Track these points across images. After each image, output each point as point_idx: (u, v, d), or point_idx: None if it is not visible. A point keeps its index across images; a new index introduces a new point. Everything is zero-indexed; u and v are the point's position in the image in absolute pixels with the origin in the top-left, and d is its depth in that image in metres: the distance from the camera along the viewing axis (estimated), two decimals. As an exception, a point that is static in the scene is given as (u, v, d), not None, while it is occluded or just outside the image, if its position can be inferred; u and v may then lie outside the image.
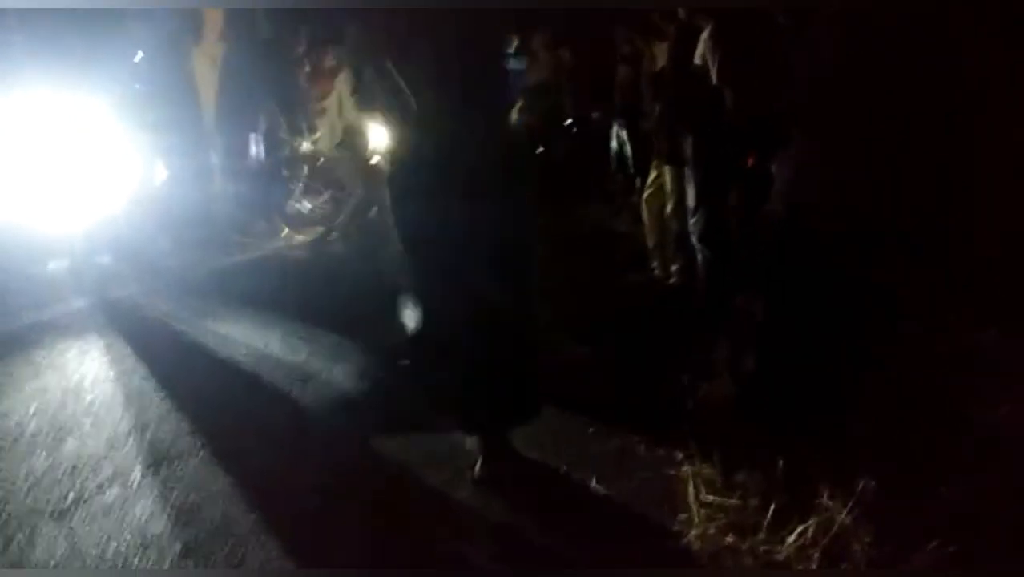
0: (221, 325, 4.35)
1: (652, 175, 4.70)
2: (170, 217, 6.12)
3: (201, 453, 2.87)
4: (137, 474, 2.73)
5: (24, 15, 5.65)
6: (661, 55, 4.61)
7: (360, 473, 2.75)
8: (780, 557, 2.07)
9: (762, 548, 2.11)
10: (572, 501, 2.52)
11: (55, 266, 5.46)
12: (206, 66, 6.18)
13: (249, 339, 4.10)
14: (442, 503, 2.52)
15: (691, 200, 3.87)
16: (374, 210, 6.27)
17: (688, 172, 3.88)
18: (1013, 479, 2.10)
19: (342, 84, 6.36)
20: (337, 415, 3.24)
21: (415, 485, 2.64)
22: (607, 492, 2.52)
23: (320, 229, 6.65)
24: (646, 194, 4.76)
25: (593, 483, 2.56)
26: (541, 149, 7.41)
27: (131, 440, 2.98)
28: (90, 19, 5.71)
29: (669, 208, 4.44)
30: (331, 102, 6.55)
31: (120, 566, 2.25)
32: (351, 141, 6.45)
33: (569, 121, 7.50)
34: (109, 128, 5.65)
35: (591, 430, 2.91)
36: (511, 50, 7.51)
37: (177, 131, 6.14)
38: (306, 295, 4.95)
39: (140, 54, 6.13)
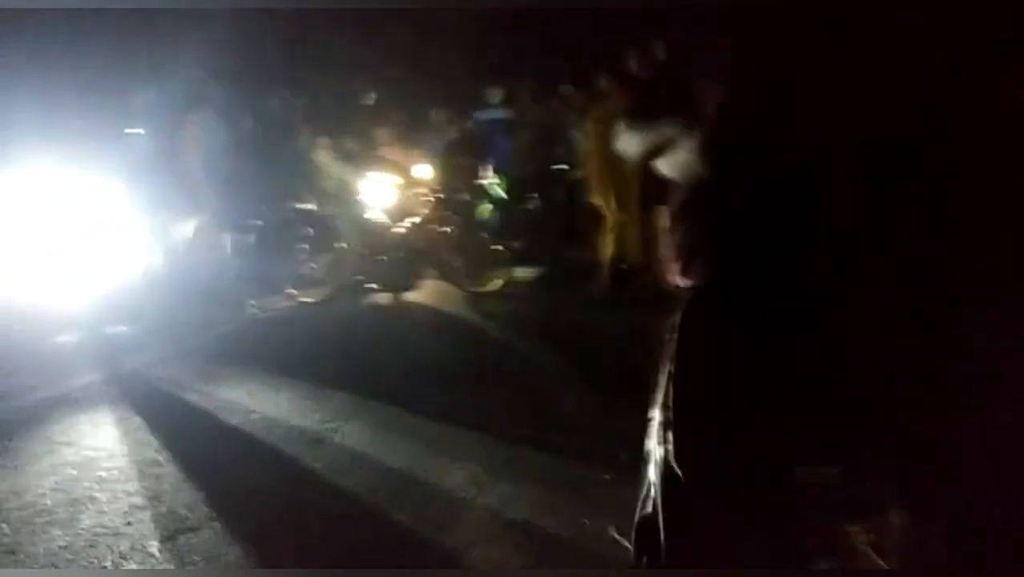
0: (231, 391, 4.40)
1: None
2: (179, 285, 6.23)
3: (216, 522, 2.89)
4: (154, 547, 2.75)
5: (32, 90, 5.84)
6: None
7: (373, 539, 2.76)
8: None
9: None
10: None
11: (65, 339, 5.52)
12: (207, 137, 6.35)
13: (259, 404, 4.16)
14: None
15: None
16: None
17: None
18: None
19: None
20: (348, 479, 3.26)
21: (427, 550, 2.66)
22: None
23: (327, 288, 6.76)
24: None
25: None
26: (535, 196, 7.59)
27: (147, 512, 3.01)
28: (95, 95, 5.91)
29: None
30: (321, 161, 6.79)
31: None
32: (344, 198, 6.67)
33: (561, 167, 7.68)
34: (115, 201, 5.79)
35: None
36: (497, 101, 7.75)
37: (183, 202, 6.29)
38: (315, 356, 5.02)
39: (140, 130, 6.31)
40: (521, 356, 5.00)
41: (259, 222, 6.94)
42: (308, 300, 6.61)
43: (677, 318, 2.00)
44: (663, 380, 2.07)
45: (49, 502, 3.13)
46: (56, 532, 2.89)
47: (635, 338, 3.56)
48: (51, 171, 5.48)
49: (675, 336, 2.02)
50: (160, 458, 3.49)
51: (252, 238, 7.00)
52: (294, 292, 6.76)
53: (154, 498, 3.12)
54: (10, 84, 5.85)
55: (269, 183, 6.99)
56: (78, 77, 6.37)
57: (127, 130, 6.30)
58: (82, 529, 2.90)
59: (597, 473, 3.08)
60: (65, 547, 2.79)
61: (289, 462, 3.46)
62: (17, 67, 5.94)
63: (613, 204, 5.95)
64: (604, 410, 3.71)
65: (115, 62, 7.29)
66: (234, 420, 3.96)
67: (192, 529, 2.85)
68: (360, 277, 6.79)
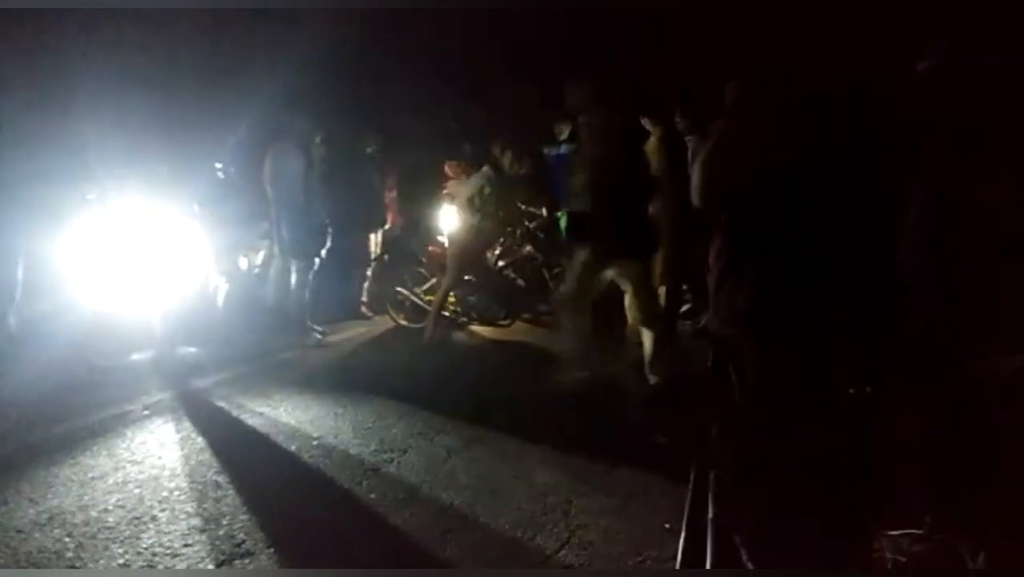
0: (294, 416, 4.45)
1: None
2: (248, 310, 6.37)
3: (271, 548, 2.89)
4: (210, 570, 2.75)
5: (118, 118, 6.09)
6: None
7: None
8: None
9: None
10: None
11: (139, 358, 5.70)
12: (285, 167, 6.51)
13: (320, 430, 4.19)
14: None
15: None
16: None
17: None
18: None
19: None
20: (401, 513, 3.22)
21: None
22: None
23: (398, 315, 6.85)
24: None
25: None
26: None
27: (205, 535, 3.02)
28: (179, 125, 6.15)
29: None
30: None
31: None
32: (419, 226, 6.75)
33: None
34: (190, 224, 5.98)
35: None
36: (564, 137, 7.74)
37: (255, 225, 6.47)
38: (378, 385, 5.03)
39: (218, 165, 6.53)
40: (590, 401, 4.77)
41: (327, 249, 7.10)
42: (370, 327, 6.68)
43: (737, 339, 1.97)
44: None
45: (112, 519, 3.18)
46: (117, 549, 2.93)
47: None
48: (134, 199, 5.70)
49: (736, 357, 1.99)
50: (220, 480, 3.53)
51: (322, 265, 7.15)
52: (368, 316, 6.86)
53: (213, 521, 3.14)
54: (99, 112, 6.13)
55: (343, 212, 7.13)
56: (165, 110, 6.64)
57: (216, 164, 6.54)
58: (143, 548, 2.93)
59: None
60: (124, 565, 2.82)
61: (344, 491, 3.45)
62: (105, 97, 6.25)
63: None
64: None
65: (200, 94, 7.59)
66: (294, 446, 3.98)
67: (248, 554, 2.85)
68: (449, 310, 6.85)
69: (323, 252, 6.76)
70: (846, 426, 1.94)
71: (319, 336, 6.41)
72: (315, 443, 4.00)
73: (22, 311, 5.26)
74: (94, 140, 5.70)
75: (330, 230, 6.94)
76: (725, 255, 2.04)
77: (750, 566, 1.99)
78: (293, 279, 6.48)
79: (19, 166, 5.14)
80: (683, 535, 2.43)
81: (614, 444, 3.90)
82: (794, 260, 1.93)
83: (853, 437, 1.93)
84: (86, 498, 3.38)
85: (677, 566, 2.17)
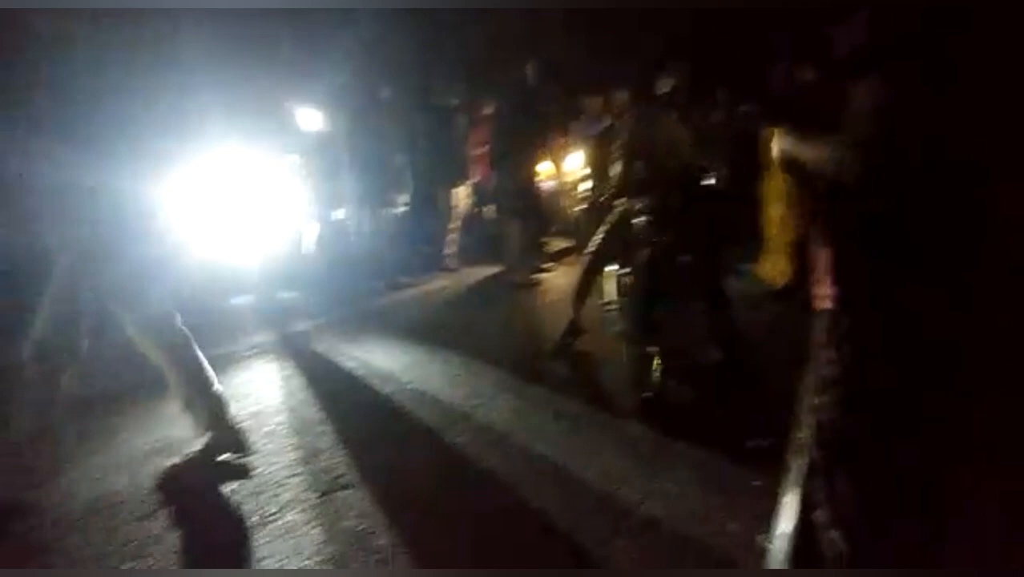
0: (388, 361, 4.60)
1: None
2: (341, 259, 6.58)
3: (368, 483, 3.02)
4: (313, 500, 2.91)
5: (223, 82, 6.31)
6: None
7: (506, 522, 2.78)
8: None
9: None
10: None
11: (240, 301, 5.99)
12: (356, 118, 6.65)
13: (412, 376, 4.31)
14: (598, 555, 2.50)
15: None
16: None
17: None
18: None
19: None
20: (490, 457, 3.29)
21: (570, 533, 2.64)
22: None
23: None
24: None
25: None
26: None
27: (307, 467, 3.19)
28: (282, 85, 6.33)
29: None
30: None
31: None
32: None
33: None
34: (290, 181, 6.19)
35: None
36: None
37: (353, 181, 6.65)
38: (467, 332, 5.13)
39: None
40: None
41: (408, 201, 7.24)
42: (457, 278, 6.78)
43: (836, 336, 1.87)
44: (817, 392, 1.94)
45: (224, 450, 3.39)
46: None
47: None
48: (238, 154, 5.94)
49: (834, 353, 1.88)
50: (320, 417, 3.70)
51: (405, 217, 7.30)
52: (452, 268, 6.96)
53: (313, 455, 3.30)
54: (204, 70, 6.39)
55: (428, 166, 7.23)
56: (265, 70, 6.85)
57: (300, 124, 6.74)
58: (251, 478, 3.12)
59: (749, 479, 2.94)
60: (233, 492, 3.01)
61: (437, 434, 3.55)
62: (210, 62, 6.49)
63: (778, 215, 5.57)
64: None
65: (302, 58, 7.77)
66: (387, 389, 4.12)
67: (347, 487, 2.99)
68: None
69: (400, 204, 6.91)
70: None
71: (405, 286, 6.57)
72: (408, 388, 4.13)
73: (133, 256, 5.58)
74: (202, 95, 5.94)
75: (411, 183, 7.06)
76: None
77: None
78: (374, 230, 6.66)
79: (135, 119, 5.41)
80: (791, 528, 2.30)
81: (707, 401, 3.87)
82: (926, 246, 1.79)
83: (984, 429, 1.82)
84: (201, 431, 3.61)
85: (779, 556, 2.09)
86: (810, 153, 1.87)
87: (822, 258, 1.99)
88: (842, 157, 1.77)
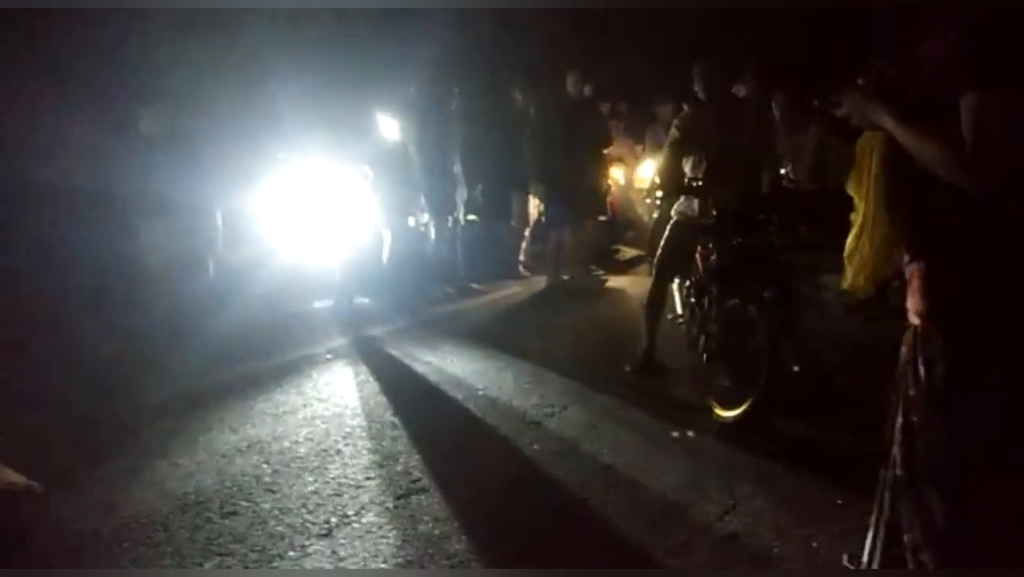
0: (459, 366, 4.67)
1: None
2: (414, 266, 6.72)
3: (444, 488, 3.06)
4: (390, 502, 2.97)
5: (303, 92, 6.53)
6: None
7: (577, 529, 2.78)
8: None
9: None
10: None
11: (320, 305, 6.17)
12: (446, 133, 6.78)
13: (485, 382, 4.36)
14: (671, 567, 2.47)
15: None
16: None
17: None
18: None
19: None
20: (562, 465, 3.29)
21: (643, 545, 2.62)
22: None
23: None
24: None
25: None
26: None
27: (384, 470, 3.26)
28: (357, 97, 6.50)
29: None
30: None
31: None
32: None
33: None
34: (363, 184, 6.35)
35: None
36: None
37: (425, 189, 6.79)
38: (536, 341, 5.15)
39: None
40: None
41: (477, 210, 7.32)
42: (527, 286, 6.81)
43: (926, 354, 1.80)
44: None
45: (303, 450, 3.49)
46: (308, 477, 3.22)
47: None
48: (316, 160, 6.14)
49: (923, 371, 1.81)
50: (396, 421, 3.78)
51: (476, 225, 7.39)
52: (526, 273, 7.00)
53: (391, 457, 3.37)
54: (286, 88, 6.62)
55: (500, 174, 7.29)
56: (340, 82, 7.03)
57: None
58: (330, 478, 3.20)
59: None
60: (314, 492, 3.09)
61: (509, 441, 3.58)
62: (288, 73, 6.72)
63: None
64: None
65: (372, 71, 7.96)
66: (460, 395, 4.17)
67: (423, 491, 3.04)
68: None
69: (465, 213, 6.99)
70: None
71: (477, 292, 6.65)
72: (480, 393, 4.18)
73: (221, 261, 5.83)
74: (285, 107, 6.18)
75: (480, 193, 7.13)
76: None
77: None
78: (447, 236, 6.77)
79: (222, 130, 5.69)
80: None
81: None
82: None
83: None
84: (279, 430, 3.73)
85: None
86: (928, 151, 1.78)
87: (914, 270, 1.92)
88: (964, 162, 1.68)
